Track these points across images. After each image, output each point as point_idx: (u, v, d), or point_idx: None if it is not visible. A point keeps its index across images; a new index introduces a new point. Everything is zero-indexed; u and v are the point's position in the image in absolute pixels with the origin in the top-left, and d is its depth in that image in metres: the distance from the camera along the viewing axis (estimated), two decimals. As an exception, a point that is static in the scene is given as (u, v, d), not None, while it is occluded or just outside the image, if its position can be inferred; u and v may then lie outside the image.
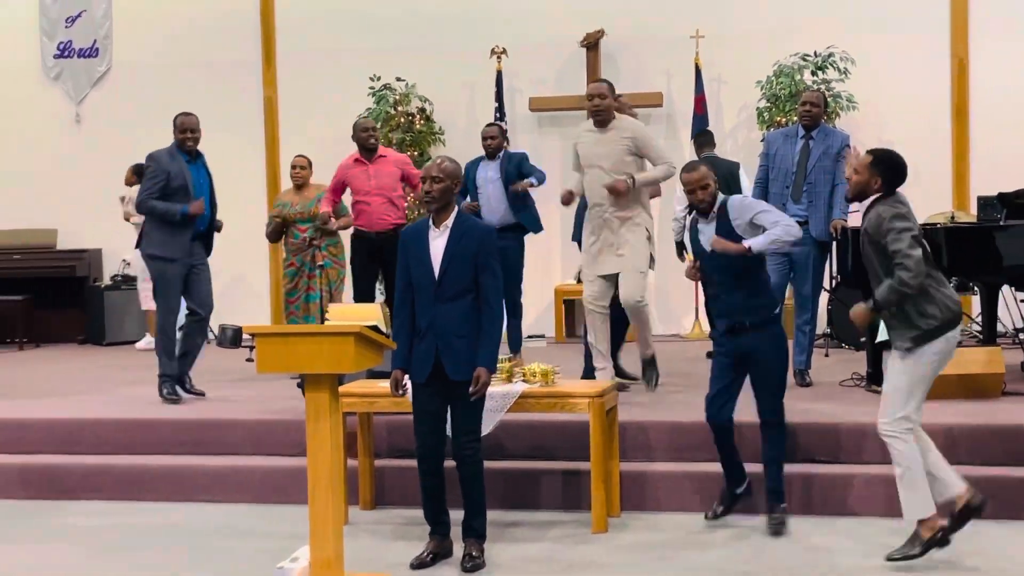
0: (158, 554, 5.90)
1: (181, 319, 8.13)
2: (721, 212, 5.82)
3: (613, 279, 7.33)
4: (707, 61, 11.21)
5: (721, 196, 5.88)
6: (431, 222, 5.46)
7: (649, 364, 7.58)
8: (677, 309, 11.52)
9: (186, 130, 7.99)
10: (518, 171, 8.52)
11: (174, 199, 7.85)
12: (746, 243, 5.68)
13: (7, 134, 12.53)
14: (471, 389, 5.35)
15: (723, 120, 11.38)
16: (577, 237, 8.10)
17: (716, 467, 6.10)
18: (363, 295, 8.63)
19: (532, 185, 8.47)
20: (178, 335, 8.07)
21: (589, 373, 7.54)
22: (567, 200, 7.51)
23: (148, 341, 10.67)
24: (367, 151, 8.53)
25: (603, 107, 7.26)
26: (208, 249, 8.18)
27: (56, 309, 12.38)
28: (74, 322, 12.40)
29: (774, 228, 5.69)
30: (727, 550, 5.66)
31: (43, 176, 12.49)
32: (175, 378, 7.99)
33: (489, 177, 8.57)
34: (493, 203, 8.52)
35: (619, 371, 7.87)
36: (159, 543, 6.10)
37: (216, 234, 8.25)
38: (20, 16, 12.66)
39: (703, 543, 5.80)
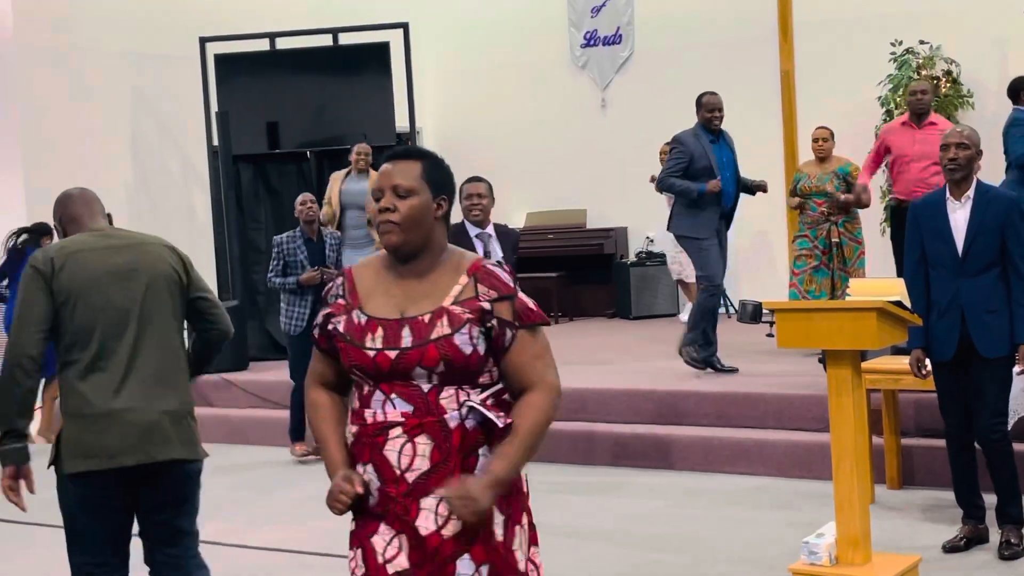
0: (690, 517, 6.14)
1: None
2: None
3: None
4: None
5: None
6: (948, 193, 5.20)
7: None
8: None
9: (713, 109, 8.18)
10: None
11: (698, 180, 8.07)
12: None
13: (540, 122, 13.44)
14: (1018, 368, 5.06)
15: None
16: None
17: None
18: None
19: None
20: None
21: None
22: None
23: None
24: (916, 116, 8.13)
25: None
26: (726, 225, 8.36)
27: (586, 284, 13.12)
28: (603, 297, 13.08)
29: None
30: None
31: (572, 159, 13.29)
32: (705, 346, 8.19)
33: None
34: None
35: None
36: (690, 508, 6.34)
37: (763, 194, 8.49)
38: (551, 10, 13.52)
39: None
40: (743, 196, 8.43)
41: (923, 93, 8.18)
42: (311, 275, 7.87)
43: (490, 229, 6.07)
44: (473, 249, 5.76)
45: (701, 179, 8.05)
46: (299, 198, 8.26)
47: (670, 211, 8.63)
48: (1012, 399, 5.33)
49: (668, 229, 8.71)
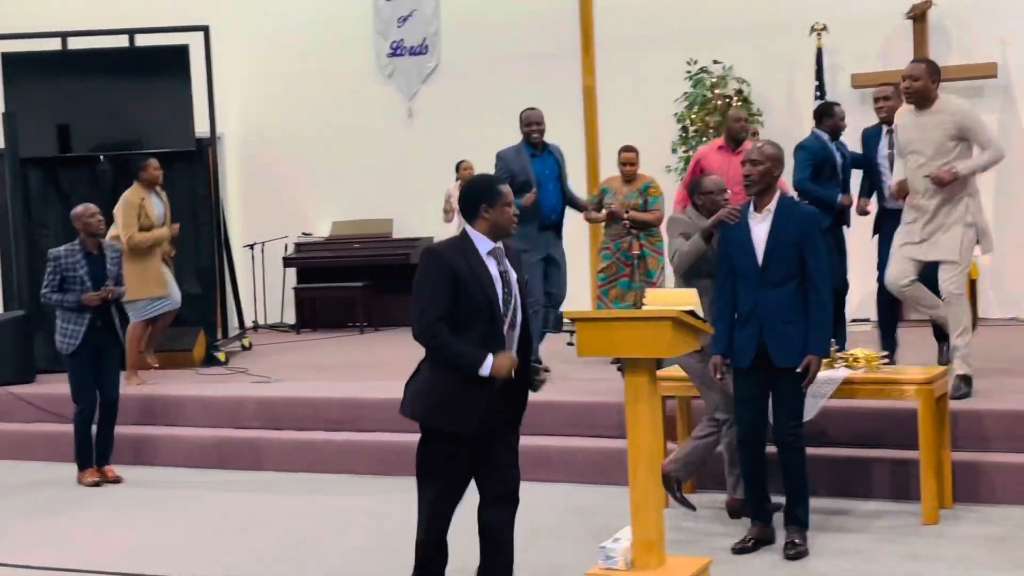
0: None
1: None
2: None
3: (923, 265, 6.82)
4: (1048, 25, 10.49)
5: None
6: (752, 206, 5.41)
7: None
8: (1015, 292, 10.87)
9: (530, 123, 8.34)
10: None
11: (519, 195, 8.12)
12: None
13: (346, 130, 13.32)
14: (804, 380, 5.26)
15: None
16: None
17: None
18: None
19: None
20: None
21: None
22: (899, 195, 6.92)
23: None
24: (735, 141, 8.20)
25: (913, 90, 6.64)
26: (556, 234, 8.49)
27: (393, 294, 13.04)
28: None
29: None
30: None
31: (379, 169, 13.22)
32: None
33: None
34: None
35: None
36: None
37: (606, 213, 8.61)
38: (357, 18, 13.44)
39: (1045, 539, 5.47)
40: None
41: (745, 120, 8.35)
42: (93, 297, 7.53)
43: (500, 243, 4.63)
44: (483, 269, 4.55)
45: (521, 193, 8.13)
46: (82, 209, 7.69)
47: None
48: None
49: None
